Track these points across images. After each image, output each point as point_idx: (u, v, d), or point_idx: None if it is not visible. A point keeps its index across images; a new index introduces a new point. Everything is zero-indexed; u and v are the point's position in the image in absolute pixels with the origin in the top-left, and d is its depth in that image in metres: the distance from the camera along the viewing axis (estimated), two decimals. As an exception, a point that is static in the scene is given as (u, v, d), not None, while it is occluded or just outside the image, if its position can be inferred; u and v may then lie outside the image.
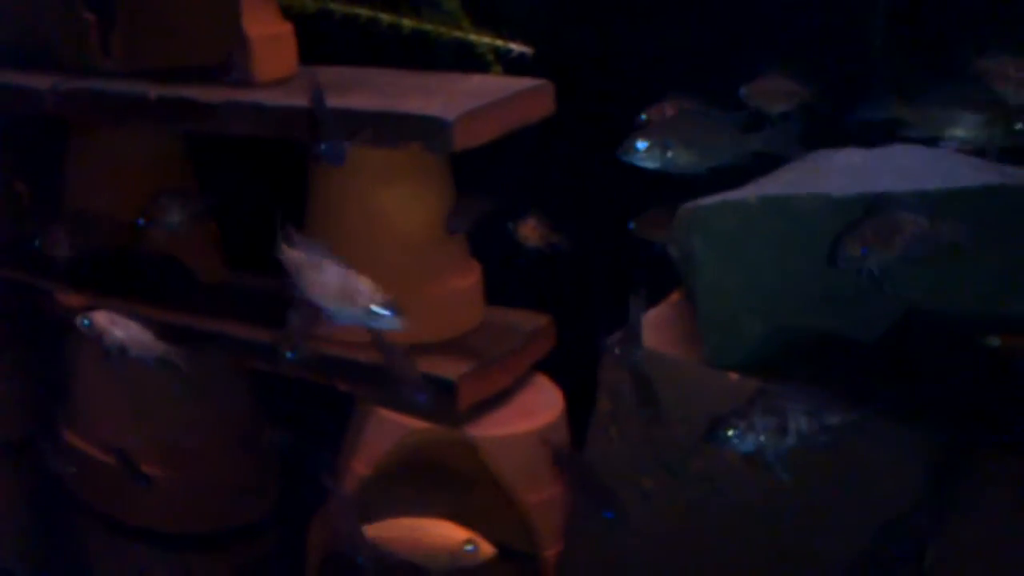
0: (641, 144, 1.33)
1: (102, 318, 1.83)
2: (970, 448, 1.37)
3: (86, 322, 1.85)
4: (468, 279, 2.12)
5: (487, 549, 1.78)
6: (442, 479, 2.14)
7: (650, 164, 1.35)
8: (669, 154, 1.36)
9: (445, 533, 1.83)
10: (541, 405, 2.07)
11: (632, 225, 1.89)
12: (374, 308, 1.43)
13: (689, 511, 1.50)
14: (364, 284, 1.43)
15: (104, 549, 2.39)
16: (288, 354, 1.96)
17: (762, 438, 1.26)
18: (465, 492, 2.13)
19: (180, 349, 1.84)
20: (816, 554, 1.44)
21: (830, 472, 1.43)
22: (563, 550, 1.63)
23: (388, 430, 2.04)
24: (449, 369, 1.96)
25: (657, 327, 1.61)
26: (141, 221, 2.18)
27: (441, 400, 1.95)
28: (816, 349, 1.45)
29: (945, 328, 1.41)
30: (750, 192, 1.45)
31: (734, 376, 1.47)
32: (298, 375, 2.10)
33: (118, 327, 1.81)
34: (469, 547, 1.80)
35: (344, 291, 1.43)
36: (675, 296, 1.74)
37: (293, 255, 1.49)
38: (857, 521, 1.40)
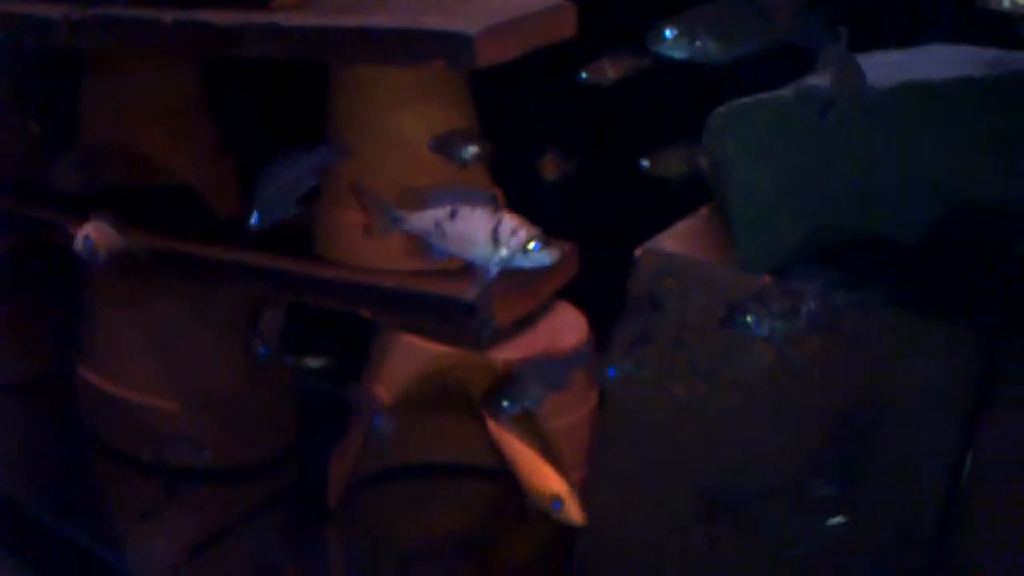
0: (669, 33, 1.28)
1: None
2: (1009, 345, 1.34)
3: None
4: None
5: (574, 513, 1.70)
6: (466, 406, 2.13)
7: (678, 54, 1.30)
8: (698, 43, 1.31)
9: (545, 478, 1.76)
10: (565, 329, 2.05)
11: (644, 163, 1.86)
12: (530, 246, 1.24)
13: (721, 419, 1.48)
14: (512, 220, 1.25)
15: (122, 486, 2.38)
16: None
17: (776, 322, 1.25)
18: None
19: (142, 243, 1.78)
20: (850, 457, 1.42)
21: (863, 375, 1.41)
22: (591, 465, 1.60)
23: (411, 355, 2.02)
24: (471, 292, 1.94)
25: (687, 237, 1.59)
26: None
27: (464, 323, 1.93)
28: (853, 251, 1.42)
29: (985, 226, 1.38)
30: (786, 90, 1.42)
31: (769, 279, 1.45)
32: (319, 304, 2.08)
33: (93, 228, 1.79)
34: (555, 503, 1.74)
35: (493, 234, 1.25)
36: (704, 210, 1.72)
37: (422, 218, 1.34)
38: (893, 424, 1.38)
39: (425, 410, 2.19)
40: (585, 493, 1.65)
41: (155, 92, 2.31)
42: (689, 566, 1.50)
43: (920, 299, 1.36)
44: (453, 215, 1.29)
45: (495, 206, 1.27)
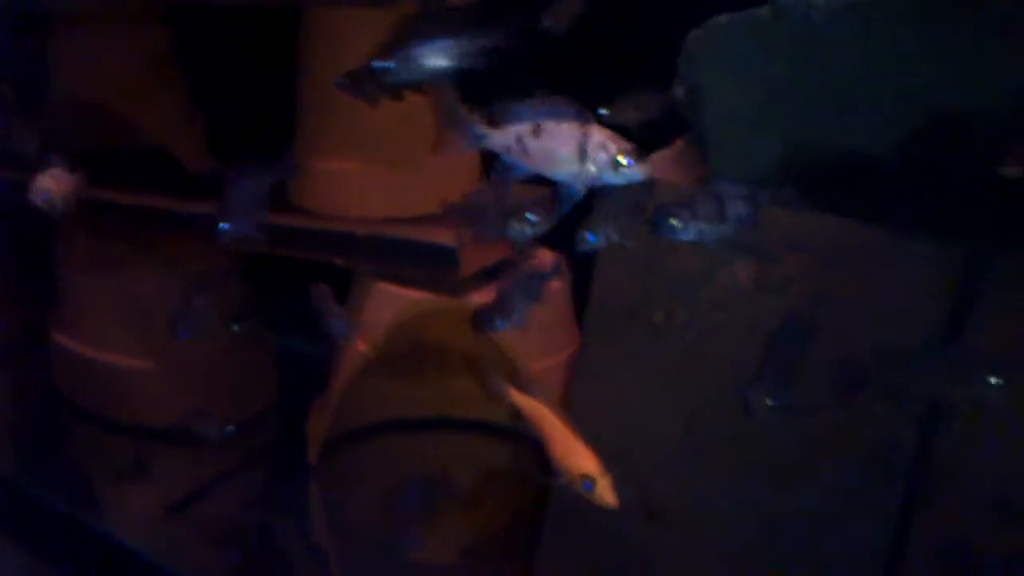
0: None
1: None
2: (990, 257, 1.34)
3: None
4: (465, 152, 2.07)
5: (607, 494, 1.67)
6: (444, 355, 2.12)
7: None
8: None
9: (576, 456, 1.73)
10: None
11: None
12: (621, 161, 1.16)
13: (700, 341, 1.47)
14: (600, 134, 1.16)
15: (101, 449, 2.35)
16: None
17: (703, 225, 1.23)
18: (467, 368, 2.11)
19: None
20: (831, 379, 1.41)
21: (845, 291, 1.40)
22: (575, 392, 1.59)
23: (388, 303, 2.01)
24: (449, 237, 1.92)
25: (660, 165, 1.57)
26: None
27: (442, 269, 1.92)
28: (833, 167, 1.41)
29: (968, 136, 1.37)
30: (760, 9, 1.41)
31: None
32: (295, 254, 2.06)
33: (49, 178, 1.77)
34: (587, 484, 1.70)
35: (580, 150, 1.16)
36: (678, 142, 1.70)
37: (503, 134, 1.24)
38: (872, 338, 1.37)
39: (404, 365, 2.17)
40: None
41: (123, 52, 2.28)
42: (665, 483, 1.50)
43: (900, 213, 1.35)
44: (537, 130, 1.19)
45: (583, 120, 1.17)
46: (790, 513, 1.46)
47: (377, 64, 1.46)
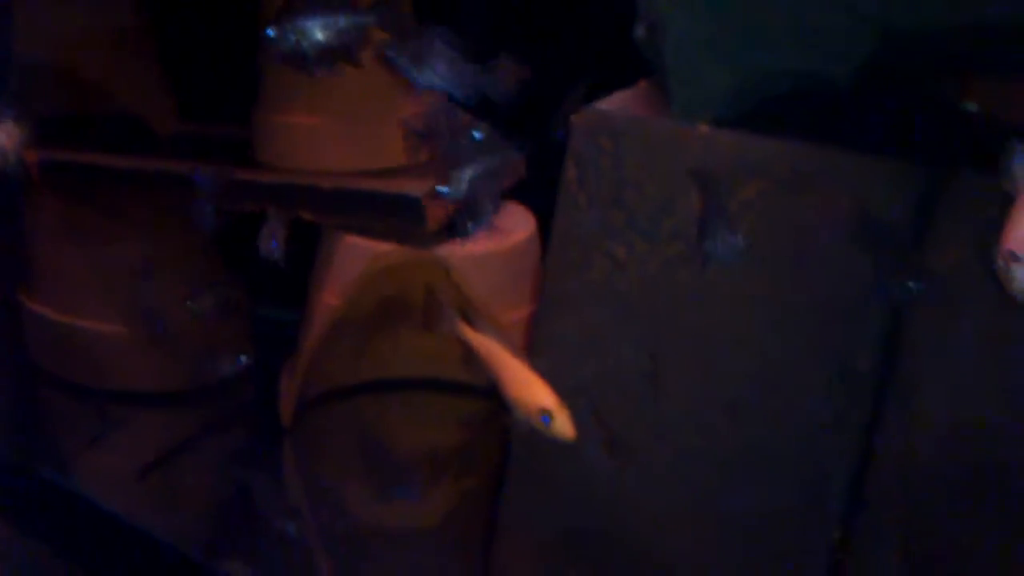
0: None
1: None
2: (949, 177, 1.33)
3: None
4: (428, 103, 2.07)
5: (565, 426, 1.66)
6: (415, 310, 2.11)
7: None
8: None
9: (532, 391, 1.72)
10: (513, 226, 2.04)
11: None
12: None
13: (663, 271, 1.47)
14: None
15: (73, 414, 2.34)
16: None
17: None
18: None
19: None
20: (791, 305, 1.41)
21: (800, 216, 1.39)
22: (538, 325, 1.59)
23: (356, 256, 1.99)
24: (415, 187, 1.92)
25: (622, 102, 1.57)
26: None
27: (409, 220, 1.91)
28: (789, 91, 1.41)
29: (923, 59, 1.36)
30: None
31: (704, 128, 1.43)
32: (259, 209, 2.05)
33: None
34: (544, 417, 1.70)
35: None
36: (641, 83, 1.70)
37: None
38: (831, 261, 1.37)
39: (377, 324, 2.17)
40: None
41: (89, 13, 2.27)
42: (627, 415, 1.49)
43: (858, 136, 1.35)
44: None
45: None
46: (750, 443, 1.46)
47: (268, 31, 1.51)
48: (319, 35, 1.52)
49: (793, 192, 1.37)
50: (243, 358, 1.94)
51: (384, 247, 1.97)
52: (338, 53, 1.57)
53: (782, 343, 1.41)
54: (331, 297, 2.04)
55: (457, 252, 1.96)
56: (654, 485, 1.50)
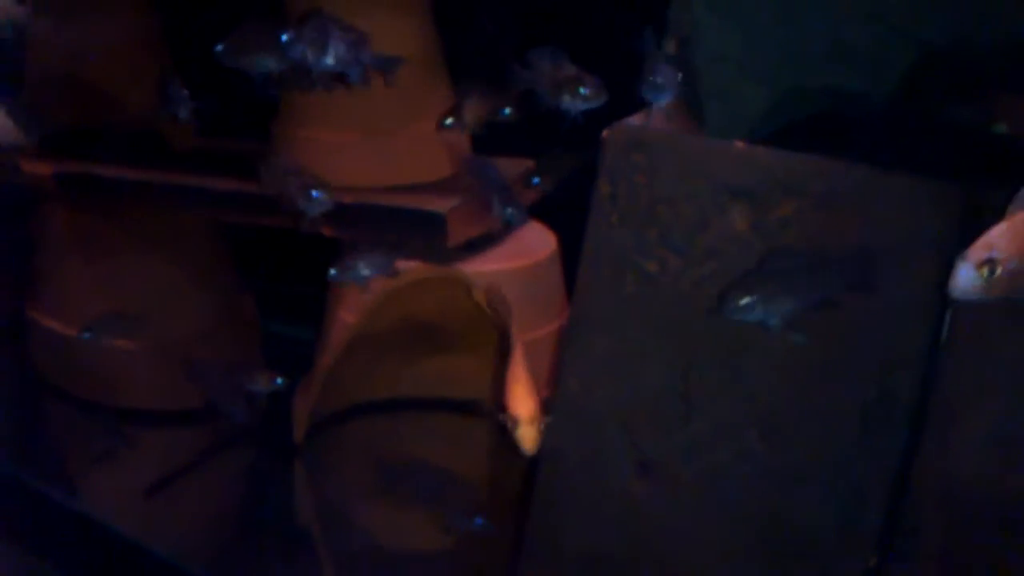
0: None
1: None
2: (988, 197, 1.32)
3: None
4: (453, 120, 2.06)
5: (526, 439, 1.66)
6: (435, 328, 2.09)
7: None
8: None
9: (514, 398, 1.72)
10: (534, 244, 2.02)
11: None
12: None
13: (695, 289, 1.45)
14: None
15: (79, 431, 2.30)
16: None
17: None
18: (457, 341, 2.08)
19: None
20: (828, 324, 1.39)
21: (838, 234, 1.38)
22: (568, 342, 1.56)
23: (376, 272, 1.97)
24: (438, 203, 1.90)
25: (654, 117, 1.55)
26: None
27: (431, 236, 1.89)
28: (826, 110, 1.39)
29: (963, 79, 1.35)
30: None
31: (740, 145, 1.42)
32: (279, 225, 2.03)
33: None
34: (511, 423, 1.70)
35: None
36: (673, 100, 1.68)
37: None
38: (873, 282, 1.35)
39: (394, 340, 2.14)
40: (554, 380, 1.60)
41: (106, 26, 2.26)
42: (658, 436, 1.46)
43: (896, 156, 1.33)
44: None
45: None
46: (784, 465, 1.43)
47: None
48: (328, 56, 1.57)
49: (831, 211, 1.36)
50: (280, 380, 1.90)
51: (405, 264, 1.95)
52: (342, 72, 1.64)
53: (818, 364, 1.39)
54: (348, 314, 2.02)
55: (479, 270, 1.94)
56: (684, 507, 1.48)
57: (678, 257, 1.44)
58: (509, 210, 1.70)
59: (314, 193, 1.73)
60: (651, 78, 1.45)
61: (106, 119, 2.28)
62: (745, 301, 1.22)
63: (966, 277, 1.16)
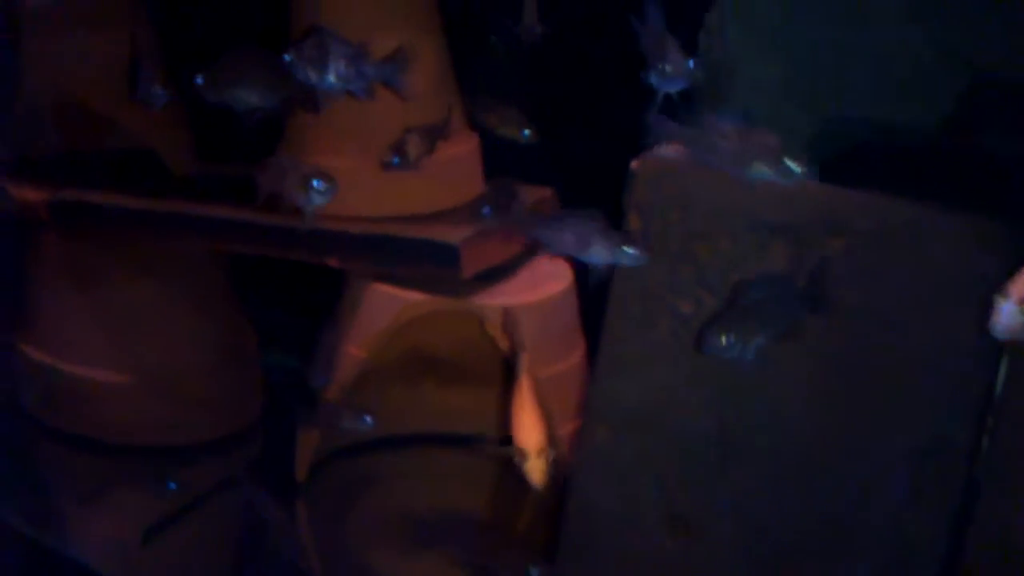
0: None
1: None
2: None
3: None
4: (465, 145, 1.97)
5: (534, 473, 1.58)
6: (446, 363, 2.00)
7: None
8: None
9: (522, 431, 1.66)
10: (549, 276, 1.93)
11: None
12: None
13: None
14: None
15: (75, 468, 2.20)
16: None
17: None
18: (469, 376, 1.99)
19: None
20: (877, 367, 1.30)
21: (884, 272, 1.30)
22: (594, 391, 1.47)
23: (384, 305, 1.89)
24: (450, 234, 1.81)
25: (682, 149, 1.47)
26: None
27: (444, 268, 1.80)
28: (871, 145, 1.31)
29: (1017, 109, 1.27)
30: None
31: (780, 179, 1.33)
32: (284, 256, 1.94)
33: None
34: (518, 456, 1.64)
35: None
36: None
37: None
38: (919, 322, 1.27)
39: (403, 375, 2.05)
40: (581, 429, 1.52)
41: (104, 49, 2.17)
42: (693, 488, 1.38)
43: (943, 191, 1.25)
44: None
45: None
46: (827, 517, 1.34)
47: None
48: (331, 76, 1.55)
49: (880, 248, 1.28)
50: (368, 418, 1.82)
51: (415, 296, 1.87)
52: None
53: (866, 409, 1.31)
54: (355, 348, 1.93)
55: (492, 304, 1.85)
56: (720, 563, 1.39)
57: (715, 297, 1.36)
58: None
59: (315, 183, 1.66)
60: (660, 65, 1.35)
61: (101, 141, 2.19)
62: (727, 340, 1.22)
63: (1009, 314, 1.10)
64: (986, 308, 1.20)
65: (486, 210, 1.82)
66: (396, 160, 1.76)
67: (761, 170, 1.17)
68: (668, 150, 1.47)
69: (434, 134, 1.80)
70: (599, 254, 1.32)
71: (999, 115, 1.30)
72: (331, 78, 1.60)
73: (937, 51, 1.26)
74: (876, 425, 1.30)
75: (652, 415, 1.41)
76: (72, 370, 2.15)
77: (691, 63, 1.35)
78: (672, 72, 1.35)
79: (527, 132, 1.97)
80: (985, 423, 1.26)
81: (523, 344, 1.82)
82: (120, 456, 2.15)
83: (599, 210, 1.38)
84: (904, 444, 1.29)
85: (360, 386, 1.96)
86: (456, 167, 1.95)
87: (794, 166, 1.15)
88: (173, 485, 2.02)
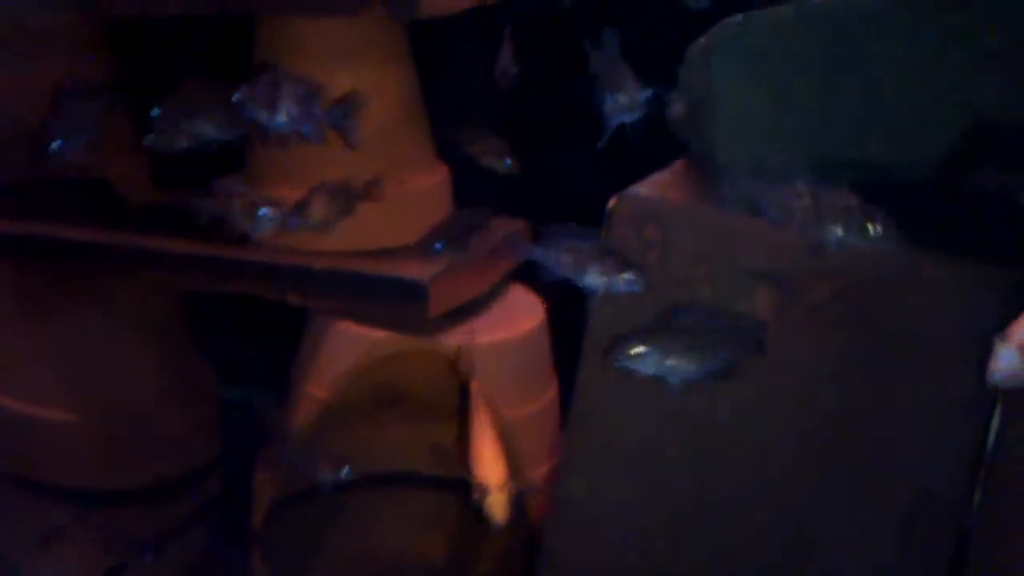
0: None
1: None
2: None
3: None
4: (434, 178, 1.91)
5: (495, 509, 1.57)
6: (411, 402, 1.92)
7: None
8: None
9: (483, 466, 1.64)
10: (521, 313, 1.87)
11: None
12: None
13: (715, 383, 1.30)
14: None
15: (22, 514, 2.10)
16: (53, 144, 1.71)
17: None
18: (436, 415, 1.92)
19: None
20: (864, 419, 1.25)
21: (874, 323, 1.25)
22: (569, 438, 1.41)
23: (348, 345, 1.82)
24: (417, 270, 1.74)
25: (664, 186, 1.42)
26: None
27: (410, 306, 1.73)
28: (859, 184, 1.26)
29: (1014, 148, 1.23)
30: (781, 7, 1.27)
31: (763, 222, 1.28)
32: (240, 291, 1.85)
33: None
34: (479, 492, 1.62)
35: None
36: (677, 164, 1.55)
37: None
38: (909, 375, 1.22)
39: (366, 415, 1.97)
40: (555, 480, 1.45)
41: (59, 75, 2.08)
42: (672, 542, 1.31)
43: (937, 237, 1.21)
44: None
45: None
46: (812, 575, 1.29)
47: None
48: (281, 116, 1.54)
49: (869, 295, 1.22)
50: (347, 469, 1.74)
51: (380, 335, 1.79)
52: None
53: (853, 461, 1.25)
54: (318, 388, 1.85)
55: (460, 342, 1.79)
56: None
57: (697, 344, 1.30)
58: None
59: (261, 211, 1.63)
60: (613, 95, 1.30)
61: (56, 171, 2.10)
62: (638, 351, 1.17)
63: (1008, 359, 1.05)
64: (984, 354, 1.15)
65: (438, 245, 1.77)
66: (297, 221, 1.69)
67: (837, 232, 1.09)
68: (647, 188, 1.42)
69: (351, 192, 1.71)
70: (595, 279, 1.25)
71: (994, 156, 1.25)
72: (281, 118, 1.56)
73: (930, 90, 1.22)
74: (864, 478, 1.25)
75: (630, 467, 1.34)
76: (17, 408, 2.05)
77: (646, 94, 1.30)
78: (626, 104, 1.31)
79: (508, 162, 1.91)
80: (978, 475, 1.21)
81: (476, 374, 1.76)
82: (67, 500, 2.05)
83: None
84: (894, 499, 1.24)
85: (322, 426, 1.88)
86: (423, 199, 1.88)
87: (873, 228, 1.09)
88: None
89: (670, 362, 1.16)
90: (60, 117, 1.79)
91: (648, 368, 1.17)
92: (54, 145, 1.71)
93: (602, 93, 1.33)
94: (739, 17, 1.28)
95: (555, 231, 1.40)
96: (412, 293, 1.73)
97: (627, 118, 1.34)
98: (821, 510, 1.27)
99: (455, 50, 2.16)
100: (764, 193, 1.14)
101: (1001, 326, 1.18)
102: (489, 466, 1.64)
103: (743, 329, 1.24)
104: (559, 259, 1.34)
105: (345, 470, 1.73)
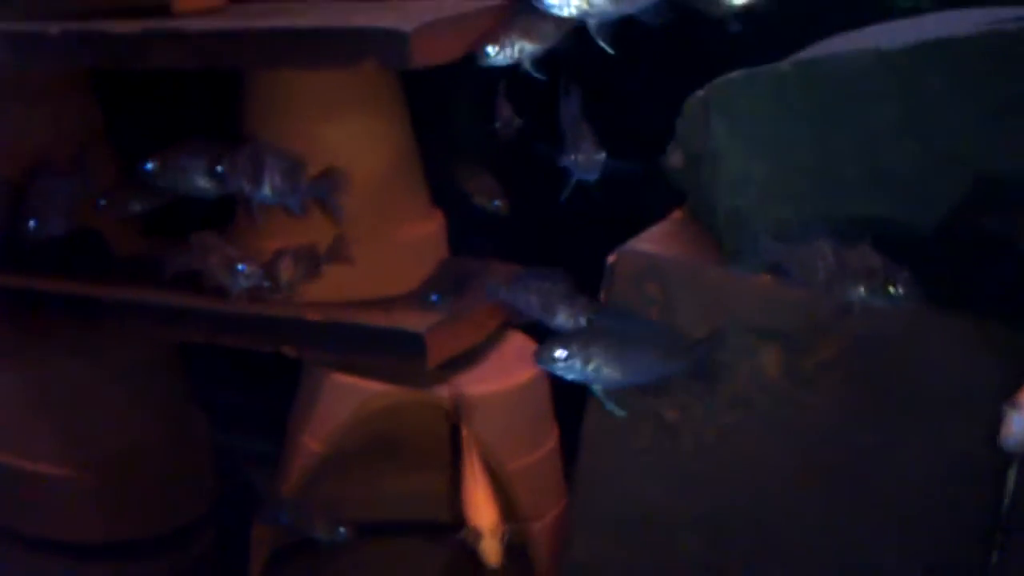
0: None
1: None
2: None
3: None
4: (429, 226, 1.89)
5: (489, 552, 1.60)
6: (409, 454, 1.90)
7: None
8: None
9: (475, 510, 1.65)
10: (519, 362, 1.84)
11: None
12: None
13: (723, 440, 1.28)
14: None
15: (11, 566, 2.06)
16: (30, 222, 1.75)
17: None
18: (433, 465, 1.89)
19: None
20: (875, 484, 1.23)
21: (880, 381, 1.23)
22: (575, 502, 1.38)
23: (344, 397, 1.79)
24: (414, 321, 1.72)
25: (664, 240, 1.40)
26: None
27: (408, 357, 1.70)
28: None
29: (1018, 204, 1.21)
30: (781, 64, 1.26)
31: (767, 279, 1.26)
32: (233, 344, 1.83)
33: None
34: (471, 536, 1.64)
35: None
36: (676, 214, 1.53)
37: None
38: (919, 434, 1.20)
39: (363, 466, 1.94)
40: (562, 539, 1.42)
41: (44, 124, 2.06)
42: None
43: (943, 292, 1.19)
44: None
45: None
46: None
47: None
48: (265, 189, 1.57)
49: (876, 354, 1.21)
50: (343, 529, 1.72)
51: (376, 387, 1.77)
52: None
53: (865, 529, 1.23)
54: (314, 441, 1.82)
55: (458, 393, 1.76)
56: None
57: (701, 405, 1.28)
58: None
59: (239, 267, 1.65)
60: (572, 153, 1.37)
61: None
62: (560, 354, 1.18)
63: (1020, 424, 1.03)
64: (994, 419, 1.13)
65: (434, 297, 1.75)
66: (267, 283, 1.69)
67: (861, 293, 1.08)
68: (647, 242, 1.40)
69: (315, 257, 1.70)
70: (563, 321, 1.29)
71: (998, 205, 1.23)
72: (265, 191, 1.59)
73: (929, 148, 1.20)
74: (876, 547, 1.23)
75: (637, 533, 1.32)
76: (7, 461, 2.01)
77: (602, 156, 1.37)
78: (583, 163, 1.37)
79: (497, 203, 1.89)
80: (994, 538, 1.19)
81: (467, 421, 1.74)
82: (60, 554, 2.01)
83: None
84: (910, 564, 1.22)
85: (318, 478, 1.85)
86: (418, 248, 1.86)
87: (897, 290, 1.08)
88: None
89: (592, 368, 1.16)
90: (34, 198, 1.79)
91: (572, 374, 1.18)
92: (30, 224, 1.71)
93: (563, 149, 1.40)
94: (736, 75, 1.27)
95: (527, 273, 1.41)
96: (410, 344, 1.70)
97: (586, 176, 1.39)
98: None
99: (449, 93, 2.14)
100: (787, 254, 1.13)
101: (1011, 385, 1.17)
102: (480, 510, 1.63)
103: (682, 344, 1.23)
104: (528, 301, 1.36)
105: (341, 531, 1.71)
